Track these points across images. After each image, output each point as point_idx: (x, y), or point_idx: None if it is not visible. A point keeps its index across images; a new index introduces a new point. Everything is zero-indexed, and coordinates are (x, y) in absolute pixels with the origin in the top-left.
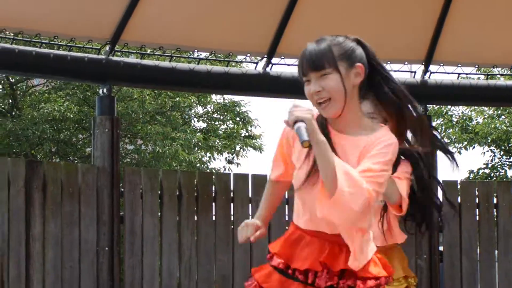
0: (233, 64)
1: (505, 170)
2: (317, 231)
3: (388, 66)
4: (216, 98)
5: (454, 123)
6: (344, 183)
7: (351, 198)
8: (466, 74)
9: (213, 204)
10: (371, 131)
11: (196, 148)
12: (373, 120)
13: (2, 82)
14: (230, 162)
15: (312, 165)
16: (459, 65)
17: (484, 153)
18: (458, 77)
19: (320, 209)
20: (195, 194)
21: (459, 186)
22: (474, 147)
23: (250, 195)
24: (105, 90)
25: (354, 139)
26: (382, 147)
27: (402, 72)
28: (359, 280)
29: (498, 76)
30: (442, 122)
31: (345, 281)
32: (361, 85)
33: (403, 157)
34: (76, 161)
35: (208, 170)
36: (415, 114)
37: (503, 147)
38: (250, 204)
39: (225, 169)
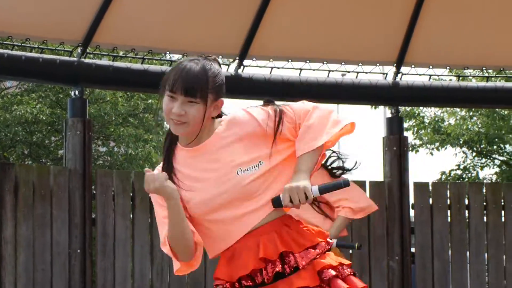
0: None
1: (477, 172)
2: (241, 237)
3: (359, 68)
4: None
5: (426, 124)
6: None
7: None
8: (438, 75)
9: None
10: (217, 129)
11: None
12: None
13: None
14: None
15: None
16: (431, 67)
17: (456, 154)
18: (430, 78)
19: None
20: None
21: (430, 188)
22: (446, 148)
23: None
24: (77, 92)
25: (215, 139)
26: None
27: (373, 74)
28: (298, 255)
29: (470, 77)
30: (414, 124)
31: (288, 263)
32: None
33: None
34: (48, 163)
35: None
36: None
37: (475, 149)
38: None
39: None
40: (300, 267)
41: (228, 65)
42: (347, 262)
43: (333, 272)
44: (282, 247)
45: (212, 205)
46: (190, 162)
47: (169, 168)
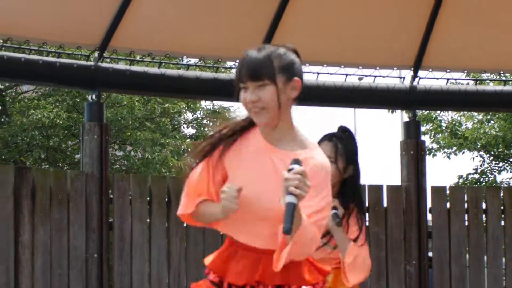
0: (222, 70)
1: (494, 175)
2: (252, 246)
3: (377, 72)
4: (206, 104)
5: (444, 128)
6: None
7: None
8: (455, 79)
9: None
10: (302, 146)
11: (186, 154)
12: (306, 140)
13: None
14: None
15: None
16: (448, 71)
17: (474, 158)
18: (447, 82)
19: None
20: None
21: (448, 192)
22: (463, 152)
23: None
24: (94, 97)
25: (286, 153)
26: (322, 180)
27: (391, 78)
28: None
29: (487, 81)
30: (431, 128)
31: None
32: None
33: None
34: (65, 168)
35: None
36: None
37: (492, 152)
38: None
39: None
40: None
41: None
42: None
43: None
44: (279, 279)
45: (249, 204)
46: (258, 152)
47: (231, 139)
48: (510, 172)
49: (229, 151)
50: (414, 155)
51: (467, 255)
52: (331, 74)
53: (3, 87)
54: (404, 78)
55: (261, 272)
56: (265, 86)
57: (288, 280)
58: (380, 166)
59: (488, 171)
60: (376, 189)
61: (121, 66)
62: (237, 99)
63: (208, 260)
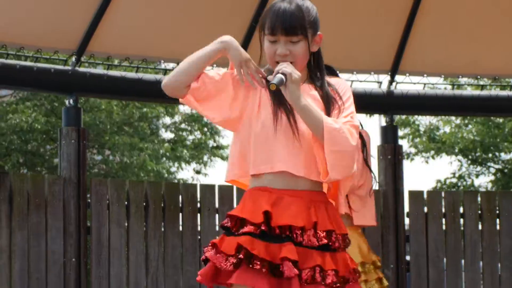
0: None
1: (472, 180)
2: (294, 190)
3: (354, 76)
4: (184, 108)
5: (421, 132)
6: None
7: (344, 139)
8: (433, 84)
9: (180, 214)
10: (322, 83)
11: (164, 159)
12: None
13: None
14: (198, 172)
15: (275, 112)
16: (425, 75)
17: (452, 162)
18: (424, 87)
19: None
20: (162, 204)
21: (425, 196)
22: (441, 157)
23: (217, 206)
24: (71, 101)
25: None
26: (348, 97)
27: (368, 82)
28: (339, 236)
29: (465, 85)
30: (409, 132)
31: (333, 241)
32: (321, 53)
33: None
34: (44, 172)
35: (176, 181)
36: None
37: (470, 157)
38: (217, 215)
39: (193, 180)
40: (338, 250)
41: None
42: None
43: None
44: (330, 225)
45: (269, 129)
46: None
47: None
48: (488, 176)
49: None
50: (391, 159)
51: (445, 259)
52: None
53: None
54: (381, 82)
55: (315, 215)
56: (298, 41)
57: (334, 225)
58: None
59: (466, 176)
60: None
61: (99, 70)
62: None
63: (232, 212)
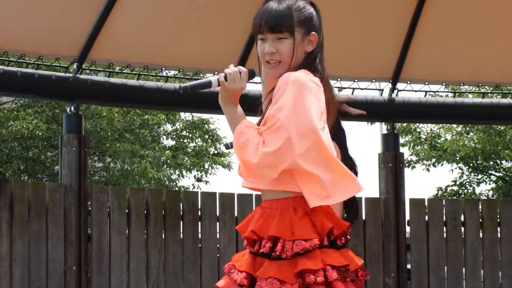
0: None
1: (473, 188)
2: (263, 201)
3: (355, 84)
4: (185, 115)
5: (423, 140)
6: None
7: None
8: (434, 91)
9: (181, 222)
10: None
11: (165, 166)
12: None
13: None
14: (199, 180)
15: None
16: (427, 83)
17: (453, 170)
18: (426, 94)
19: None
20: (163, 212)
21: (426, 204)
22: (442, 164)
23: (217, 214)
24: (72, 108)
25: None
26: (278, 97)
27: (369, 90)
28: (287, 243)
29: (466, 93)
30: (410, 139)
31: (277, 248)
32: (315, 53)
33: None
34: (45, 179)
35: (177, 188)
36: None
37: (471, 164)
38: (217, 223)
39: (194, 187)
40: (283, 257)
41: None
42: (341, 263)
43: (312, 278)
44: (274, 231)
45: None
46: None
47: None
48: (489, 184)
49: None
50: (392, 167)
51: (446, 268)
52: None
53: None
54: (382, 90)
55: (257, 224)
56: (284, 39)
57: (283, 233)
58: (359, 178)
59: (467, 183)
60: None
61: (100, 78)
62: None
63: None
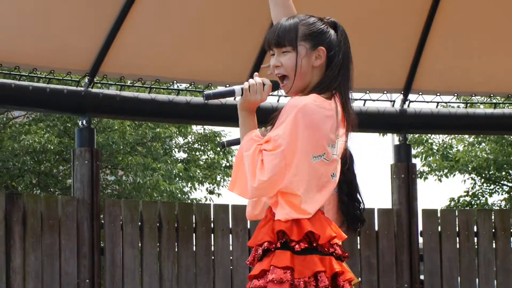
0: None
1: (486, 198)
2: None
3: (367, 95)
4: (197, 128)
5: (435, 151)
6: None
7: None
8: (445, 102)
9: (194, 235)
10: None
11: (177, 179)
12: None
13: None
14: (211, 192)
15: None
16: (438, 94)
17: (465, 181)
18: (437, 105)
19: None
20: (176, 225)
21: (439, 214)
22: (454, 175)
23: (230, 226)
24: (84, 122)
25: None
26: (281, 122)
27: (381, 101)
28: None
29: (478, 104)
30: (422, 150)
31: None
32: (333, 74)
33: None
34: (57, 193)
35: (189, 201)
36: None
37: (483, 175)
38: (230, 235)
39: (206, 200)
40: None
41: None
42: (278, 264)
43: (254, 283)
44: (252, 241)
45: None
46: None
47: None
48: (502, 194)
49: None
50: (405, 178)
51: (459, 278)
52: None
53: None
54: (394, 101)
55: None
56: (287, 53)
57: (253, 241)
58: (371, 190)
59: (479, 194)
60: (367, 213)
61: (112, 91)
62: None
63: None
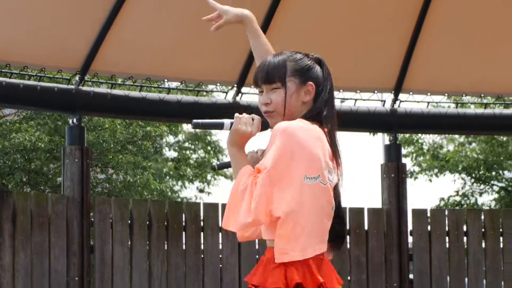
0: (203, 93)
1: (476, 198)
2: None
3: (358, 95)
4: (187, 127)
5: (425, 151)
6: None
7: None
8: (436, 102)
9: (183, 233)
10: None
11: (168, 177)
12: None
13: None
14: (201, 191)
15: None
16: (429, 94)
17: (455, 180)
18: (428, 105)
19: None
20: (165, 223)
21: (429, 214)
22: (445, 175)
23: (220, 224)
24: (75, 120)
25: None
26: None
27: (372, 101)
28: None
29: (468, 104)
30: (412, 150)
31: None
32: (319, 107)
33: None
34: (47, 191)
35: (179, 199)
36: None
37: (473, 175)
38: (220, 233)
39: (196, 198)
40: None
41: (226, 93)
42: None
43: None
44: (256, 280)
45: None
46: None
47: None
48: (491, 194)
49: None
50: (395, 177)
51: (448, 278)
52: None
53: None
54: (385, 101)
55: (251, 273)
56: (277, 89)
57: (251, 278)
58: (361, 189)
59: (469, 194)
60: (357, 212)
61: (102, 89)
62: None
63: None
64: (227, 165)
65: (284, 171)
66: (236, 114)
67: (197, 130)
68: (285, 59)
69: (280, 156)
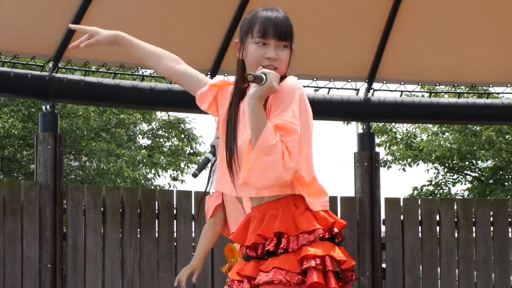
0: None
1: (449, 188)
2: (258, 206)
3: (331, 83)
4: (161, 115)
5: (399, 140)
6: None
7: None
8: (410, 91)
9: (156, 221)
10: None
11: (141, 165)
12: None
13: None
14: (174, 179)
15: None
16: (402, 83)
17: (428, 170)
18: (402, 94)
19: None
20: (138, 211)
21: (402, 203)
22: (418, 164)
23: (193, 212)
24: (48, 107)
25: None
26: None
27: (345, 90)
28: (292, 238)
29: (442, 93)
30: (386, 139)
31: (281, 244)
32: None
33: None
34: (20, 178)
35: (152, 187)
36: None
37: (447, 165)
38: (193, 221)
39: (170, 186)
40: (290, 251)
41: None
42: (341, 258)
43: (312, 263)
44: (278, 228)
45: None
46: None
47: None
48: (465, 184)
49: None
50: (368, 166)
51: (421, 267)
52: None
53: None
54: (358, 90)
55: (264, 226)
56: (285, 48)
57: (288, 228)
58: (334, 178)
59: (442, 183)
60: (330, 200)
61: (76, 76)
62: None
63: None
64: (203, 165)
65: (306, 131)
66: (269, 71)
67: (171, 118)
68: (288, 18)
69: (302, 116)
